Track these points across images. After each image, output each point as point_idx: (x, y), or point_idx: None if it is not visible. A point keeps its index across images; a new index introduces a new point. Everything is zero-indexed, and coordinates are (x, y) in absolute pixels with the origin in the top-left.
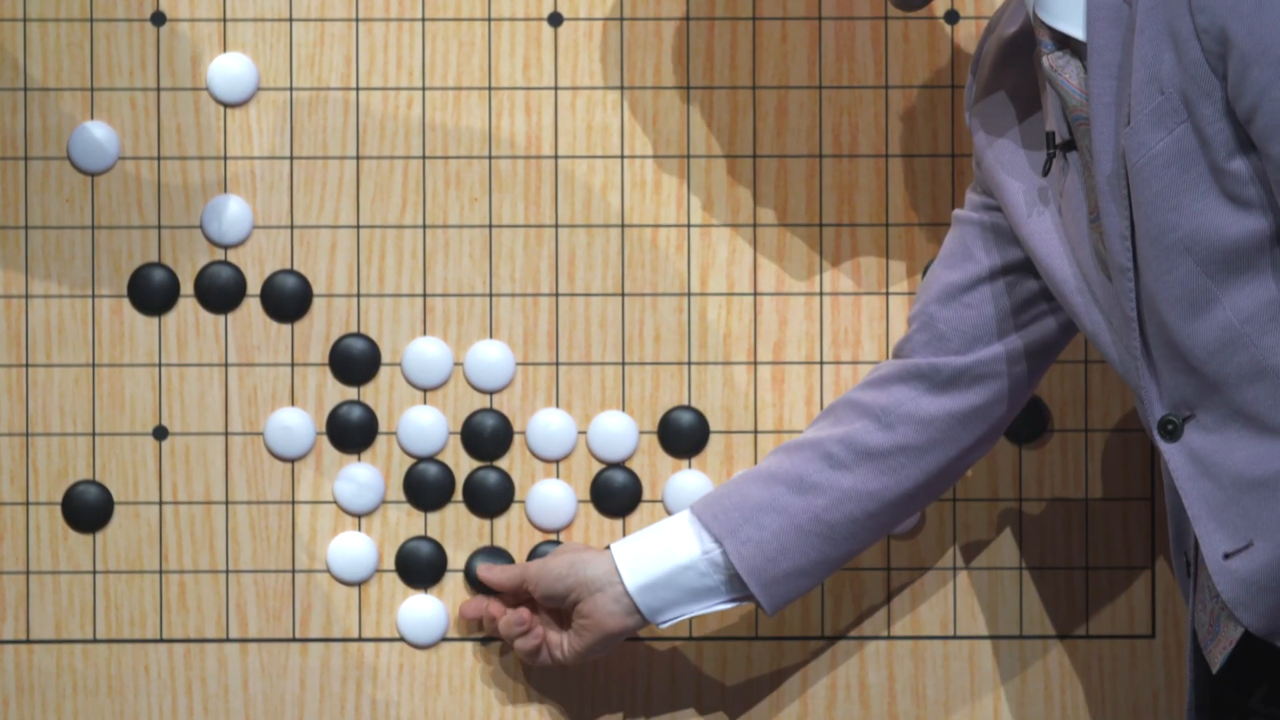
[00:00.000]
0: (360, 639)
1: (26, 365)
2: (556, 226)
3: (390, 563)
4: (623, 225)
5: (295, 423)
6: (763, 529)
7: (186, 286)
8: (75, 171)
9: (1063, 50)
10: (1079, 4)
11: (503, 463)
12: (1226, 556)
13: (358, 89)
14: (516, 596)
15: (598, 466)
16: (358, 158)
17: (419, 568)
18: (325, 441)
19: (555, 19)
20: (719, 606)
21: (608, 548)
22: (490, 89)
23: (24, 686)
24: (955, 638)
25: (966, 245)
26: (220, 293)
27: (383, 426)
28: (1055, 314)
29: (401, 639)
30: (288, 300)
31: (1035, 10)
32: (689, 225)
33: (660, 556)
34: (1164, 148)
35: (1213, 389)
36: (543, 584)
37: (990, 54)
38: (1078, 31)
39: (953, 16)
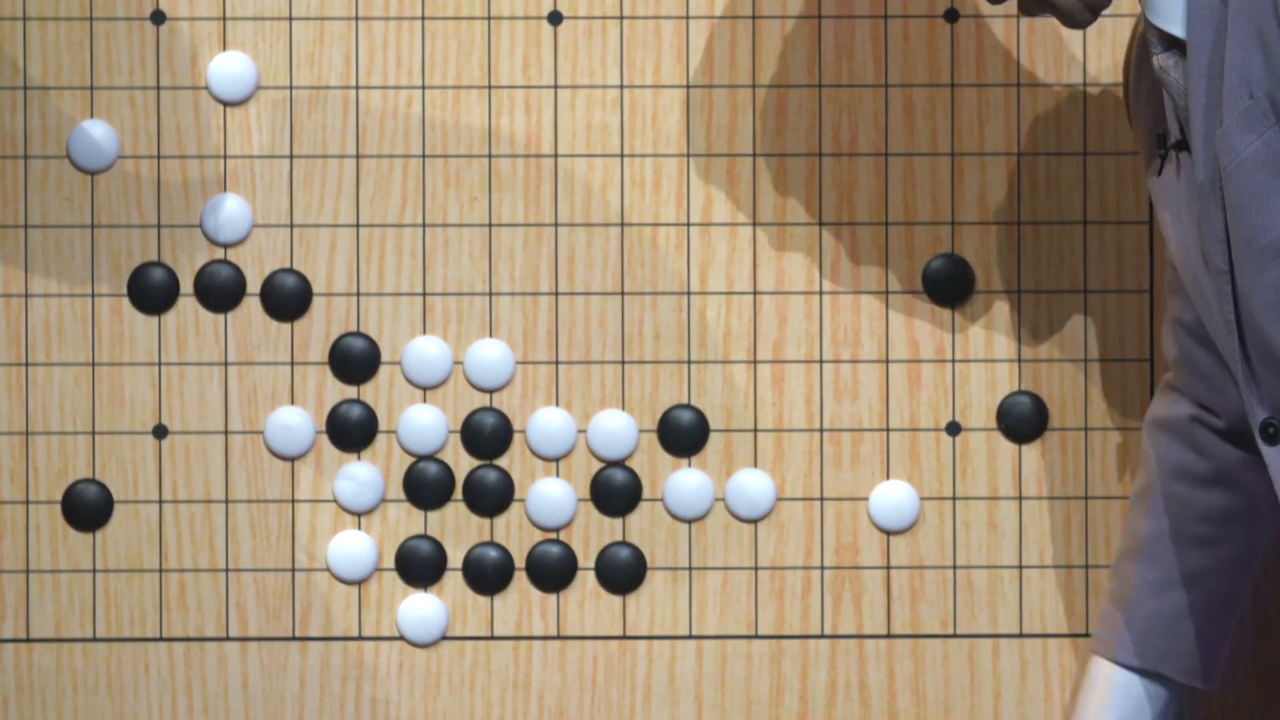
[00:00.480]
0: (360, 638)
1: (26, 364)
2: (556, 225)
3: (390, 561)
4: (622, 224)
5: (295, 421)
6: (1183, 638)
7: (186, 285)
8: (75, 170)
9: (1170, 50)
10: (1181, 3)
11: (502, 461)
12: None
13: (357, 88)
14: None
15: (597, 465)
16: (357, 156)
17: (419, 566)
18: (325, 440)
19: (555, 17)
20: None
21: None
22: (490, 88)
23: (24, 685)
24: (955, 636)
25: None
26: (220, 291)
27: (382, 425)
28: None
29: (401, 638)
30: (287, 299)
31: (1144, 10)
32: (689, 224)
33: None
34: (1254, 151)
35: None
36: None
37: (1133, 60)
38: (1180, 31)
39: (952, 15)
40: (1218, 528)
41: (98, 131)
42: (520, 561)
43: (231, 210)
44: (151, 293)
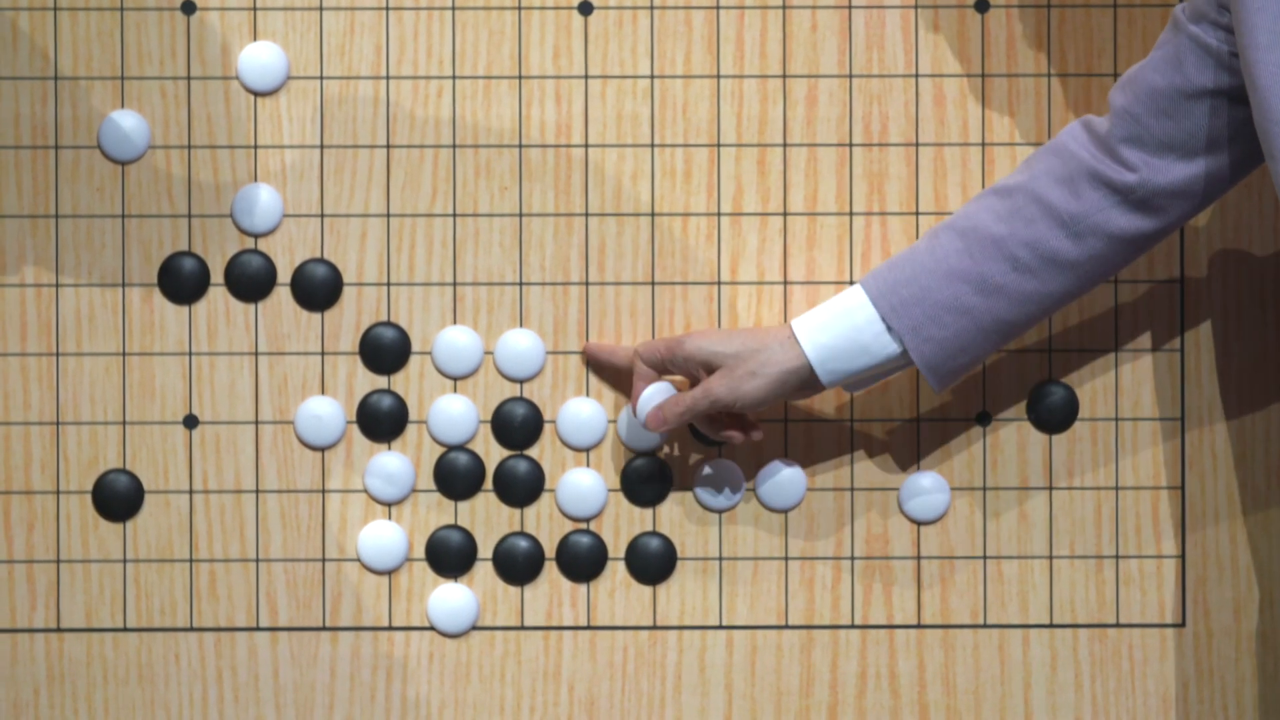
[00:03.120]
0: (390, 628)
1: (57, 354)
2: (587, 215)
3: (420, 552)
4: (653, 214)
5: (325, 411)
6: (945, 328)
7: (217, 275)
8: (106, 161)
9: None
10: None
11: (533, 451)
12: None
13: (388, 78)
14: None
15: (627, 455)
16: (388, 146)
17: (449, 556)
18: (355, 430)
19: (585, 8)
20: (884, 376)
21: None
22: (520, 78)
23: (55, 675)
24: (985, 626)
25: (1179, 57)
26: (250, 281)
27: (413, 415)
28: (1253, 145)
29: (431, 628)
30: (318, 289)
31: None
32: (719, 214)
33: (840, 335)
34: None
35: None
36: (706, 347)
37: None
38: None
39: (983, 5)
40: (1039, 263)
41: (128, 122)
42: (550, 552)
43: (262, 200)
44: (182, 283)
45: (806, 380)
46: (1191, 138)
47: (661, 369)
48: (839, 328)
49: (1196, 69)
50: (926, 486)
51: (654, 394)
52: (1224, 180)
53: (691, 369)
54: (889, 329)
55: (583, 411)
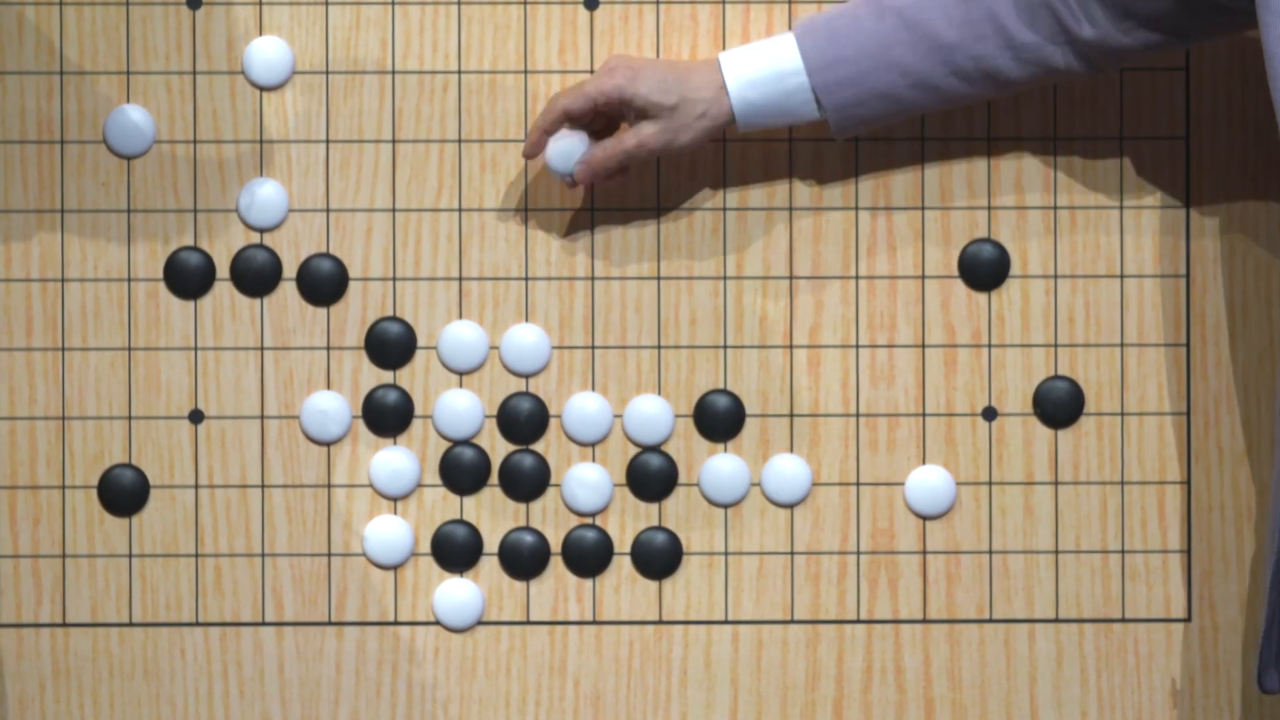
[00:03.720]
0: (396, 622)
1: (63, 349)
2: (592, 210)
3: (426, 546)
4: (658, 209)
5: (331, 406)
6: (869, 109)
7: (222, 270)
8: (111, 155)
9: None
10: None
11: (538, 446)
12: None
13: (393, 72)
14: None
15: (633, 450)
16: (393, 141)
17: (455, 551)
18: (361, 425)
19: (591, 2)
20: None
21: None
22: (526, 72)
23: (60, 670)
24: (991, 621)
25: None
26: (256, 276)
27: (418, 410)
28: (1206, 24)
29: (438, 622)
30: (323, 284)
31: None
32: (725, 209)
33: (770, 95)
34: None
35: None
36: (646, 96)
37: None
38: None
39: None
40: (975, 68)
41: (134, 116)
42: (556, 546)
43: (268, 195)
44: (188, 277)
45: (726, 128)
46: (1158, 8)
47: (588, 117)
48: (770, 89)
49: None
50: (932, 481)
51: (570, 144)
52: (1168, 49)
53: (624, 113)
54: (817, 100)
55: (588, 406)
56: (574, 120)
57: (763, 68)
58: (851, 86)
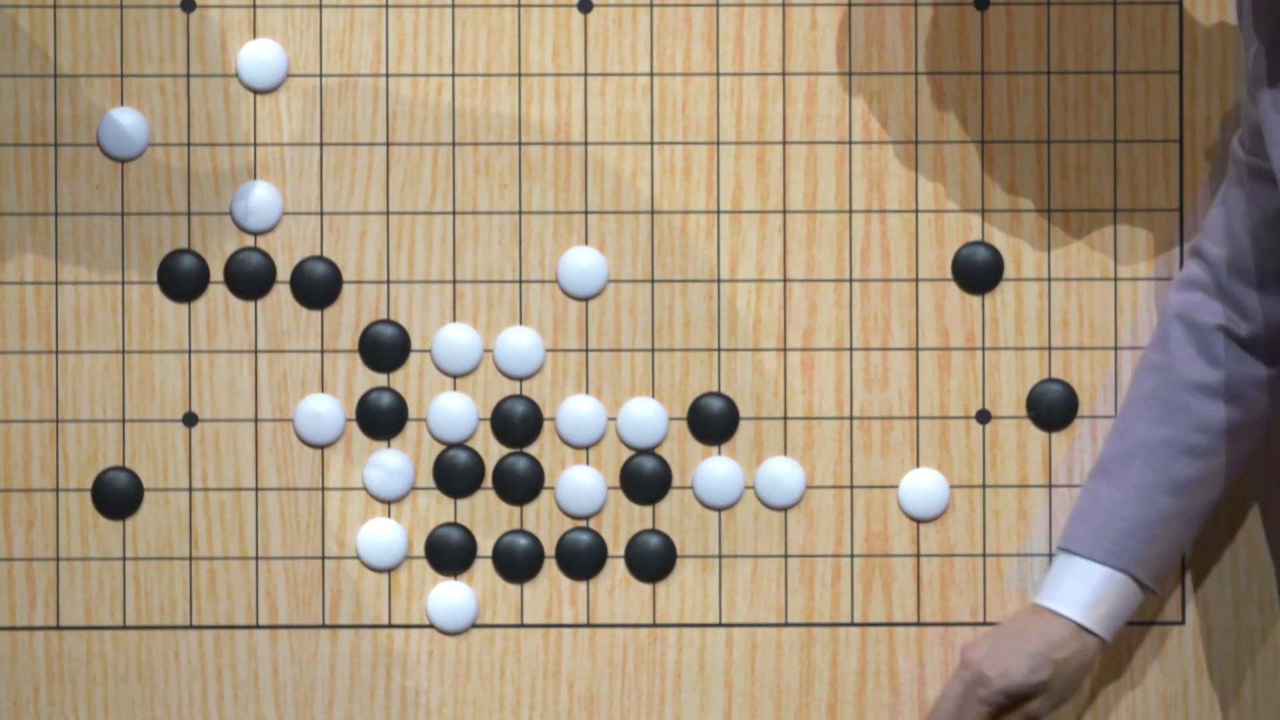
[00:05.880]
0: (390, 626)
1: (56, 352)
2: (586, 213)
3: (420, 549)
4: (652, 211)
5: (325, 409)
6: (1161, 543)
7: (216, 273)
8: (105, 158)
9: None
10: None
11: (532, 449)
12: None
13: (387, 75)
14: None
15: (627, 453)
16: (387, 144)
17: (449, 554)
18: (355, 428)
19: (585, 5)
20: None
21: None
22: (520, 75)
23: (54, 673)
24: (986, 624)
25: (1250, 193)
26: (250, 279)
27: (412, 413)
28: None
29: (431, 626)
30: (317, 287)
31: None
32: (719, 211)
33: (1091, 595)
34: None
35: None
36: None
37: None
38: None
39: (983, 2)
40: (1213, 439)
41: (128, 119)
42: (550, 549)
43: (261, 198)
44: (182, 280)
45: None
46: None
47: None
48: (1088, 592)
49: (1269, 196)
50: (926, 484)
51: None
52: None
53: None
54: (1118, 569)
55: (582, 409)
56: None
57: (1082, 590)
58: (1132, 537)
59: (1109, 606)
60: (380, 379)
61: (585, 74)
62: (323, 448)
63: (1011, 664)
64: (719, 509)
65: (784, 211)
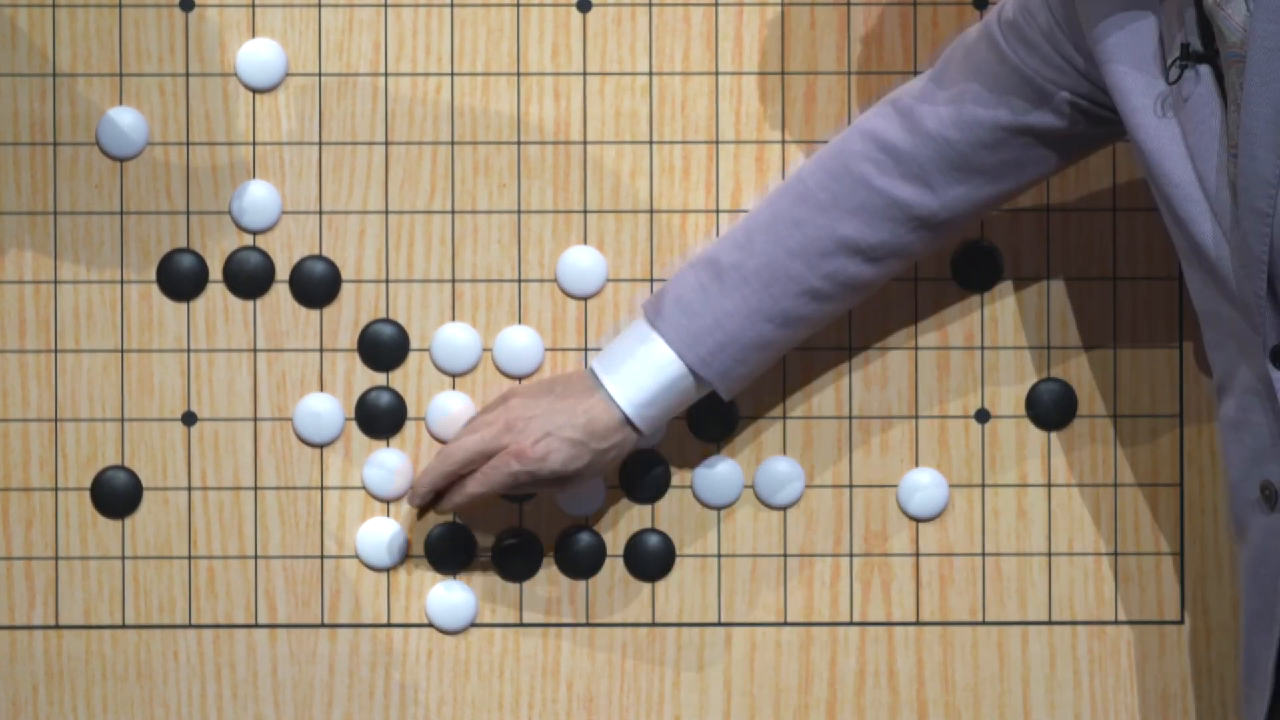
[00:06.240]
0: (389, 625)
1: (55, 351)
2: (585, 212)
3: (419, 548)
4: (651, 211)
5: (324, 408)
6: (749, 364)
7: (215, 272)
8: (104, 157)
9: None
10: None
11: None
12: None
13: (386, 74)
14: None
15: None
16: (386, 143)
17: (448, 554)
18: (354, 427)
19: (584, 4)
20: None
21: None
22: (519, 74)
23: (53, 672)
24: (984, 624)
25: (1005, 89)
26: (249, 278)
27: (411, 412)
28: (1040, 171)
29: (430, 625)
30: (316, 286)
31: None
32: (718, 210)
33: (658, 392)
34: None
35: None
36: (554, 465)
37: None
38: None
39: (980, 1)
40: (839, 290)
41: (127, 118)
42: (549, 549)
43: (260, 197)
44: (181, 279)
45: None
46: (1003, 165)
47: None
48: (662, 394)
49: (1023, 107)
50: (925, 483)
51: None
52: (1011, 197)
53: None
54: (697, 376)
55: None
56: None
57: (649, 382)
58: (723, 351)
59: (663, 408)
60: (379, 378)
61: (584, 73)
62: (322, 447)
63: (553, 450)
64: (718, 508)
65: None
